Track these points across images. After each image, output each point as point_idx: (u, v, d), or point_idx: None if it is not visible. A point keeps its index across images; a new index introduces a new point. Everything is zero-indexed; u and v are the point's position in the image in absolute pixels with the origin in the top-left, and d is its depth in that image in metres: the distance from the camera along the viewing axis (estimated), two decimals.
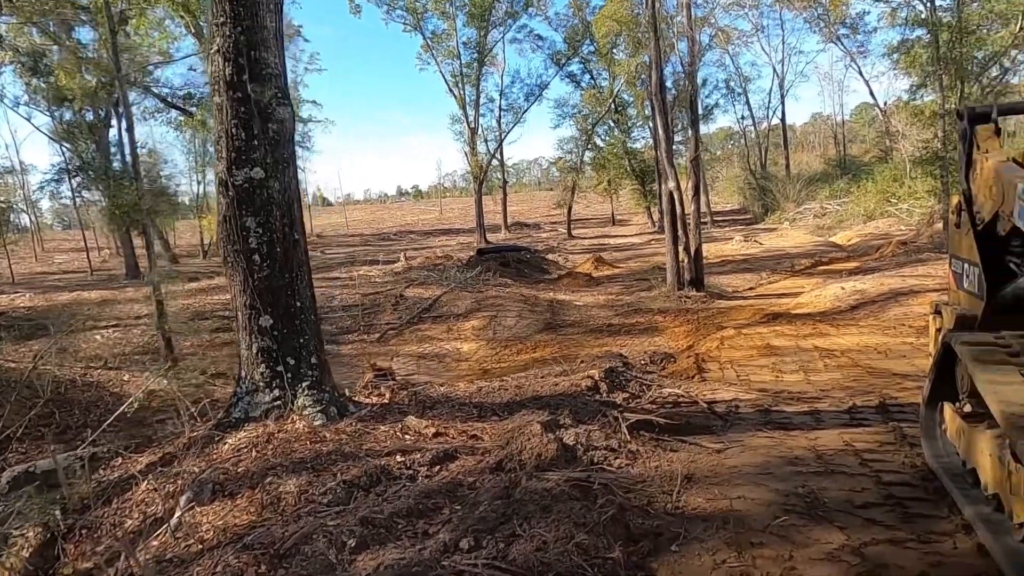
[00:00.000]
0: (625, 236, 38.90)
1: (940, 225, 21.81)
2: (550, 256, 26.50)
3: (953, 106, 17.94)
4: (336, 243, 44.98)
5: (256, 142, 4.65)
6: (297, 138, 5.34)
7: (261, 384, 4.70)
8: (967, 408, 3.19)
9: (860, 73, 38.27)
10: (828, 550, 2.89)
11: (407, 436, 4.42)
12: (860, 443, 4.12)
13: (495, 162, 42.45)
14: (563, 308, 14.33)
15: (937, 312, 3.85)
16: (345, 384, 5.63)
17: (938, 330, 3.76)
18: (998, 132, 3.45)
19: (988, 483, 2.85)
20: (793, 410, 4.94)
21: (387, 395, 5.19)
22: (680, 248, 14.57)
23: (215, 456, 4.19)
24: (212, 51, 4.66)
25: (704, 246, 15.85)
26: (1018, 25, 19.06)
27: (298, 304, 4.81)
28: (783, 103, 48.25)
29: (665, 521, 3.20)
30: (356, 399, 5.19)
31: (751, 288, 15.87)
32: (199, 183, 43.68)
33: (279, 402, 4.66)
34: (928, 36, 22.18)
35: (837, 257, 20.29)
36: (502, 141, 41.06)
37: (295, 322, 4.79)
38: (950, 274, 3.78)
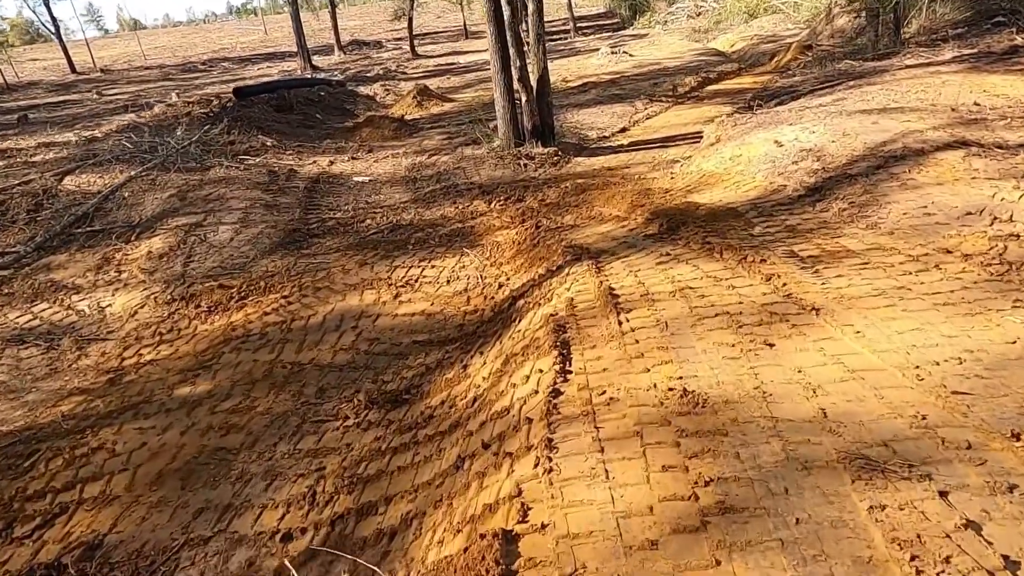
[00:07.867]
0: (480, 51, 32.08)
1: (842, 21, 17.52)
2: (372, 88, 19.92)
3: None
4: (128, 79, 34.61)
5: None
6: None
7: None
8: None
9: None
10: None
11: None
12: None
13: None
14: (332, 192, 8.84)
15: None
16: None
17: None
18: None
19: None
20: None
21: None
22: (514, 78, 9.13)
23: None
24: None
25: (563, 63, 10.53)
26: None
27: None
28: None
29: None
30: None
31: (623, 130, 11.00)
32: None
33: None
34: None
35: (727, 71, 15.70)
36: None
37: None
38: None
